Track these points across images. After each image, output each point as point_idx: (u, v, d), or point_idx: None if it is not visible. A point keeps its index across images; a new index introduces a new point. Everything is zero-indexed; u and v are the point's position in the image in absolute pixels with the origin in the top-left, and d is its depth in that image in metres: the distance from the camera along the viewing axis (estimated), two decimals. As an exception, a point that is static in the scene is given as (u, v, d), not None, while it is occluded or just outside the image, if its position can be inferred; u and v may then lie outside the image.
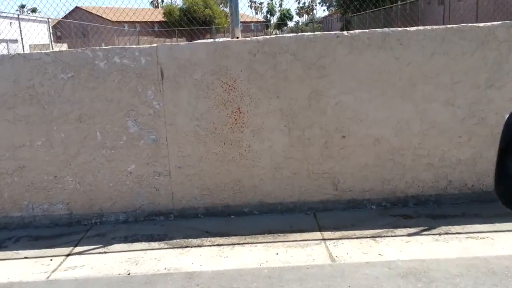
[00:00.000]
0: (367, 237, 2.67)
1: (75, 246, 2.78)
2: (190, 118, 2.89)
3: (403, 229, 2.74)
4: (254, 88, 2.91)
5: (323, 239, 2.70)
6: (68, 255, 2.67)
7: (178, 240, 2.78)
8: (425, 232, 2.69)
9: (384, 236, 2.65)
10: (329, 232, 2.77)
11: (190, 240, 2.77)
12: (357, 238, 2.67)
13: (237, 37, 3.08)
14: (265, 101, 2.91)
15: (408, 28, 2.91)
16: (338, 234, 2.74)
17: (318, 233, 2.78)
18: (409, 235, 2.66)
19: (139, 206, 3.08)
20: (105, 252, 2.68)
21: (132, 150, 2.98)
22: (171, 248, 2.69)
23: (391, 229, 2.74)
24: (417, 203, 3.06)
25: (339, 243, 2.63)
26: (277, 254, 2.53)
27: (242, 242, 2.71)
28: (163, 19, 31.18)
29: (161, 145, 2.96)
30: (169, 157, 2.98)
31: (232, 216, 3.13)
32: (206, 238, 2.77)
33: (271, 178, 3.06)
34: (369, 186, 3.09)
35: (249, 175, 3.05)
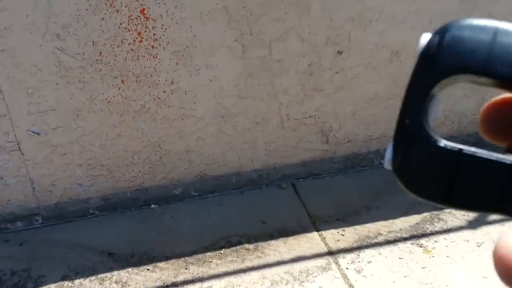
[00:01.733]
0: (413, 237, 2.06)
1: None
2: (42, 34, 1.90)
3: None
4: (171, -34, 1.96)
5: (330, 253, 2.00)
6: None
7: None
8: None
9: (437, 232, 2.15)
10: (333, 231, 2.11)
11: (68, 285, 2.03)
12: (391, 243, 2.08)
13: None
14: (194, -8, 2.00)
15: None
16: (350, 234, 2.09)
17: (315, 234, 2.11)
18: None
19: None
20: None
21: None
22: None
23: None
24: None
25: (361, 259, 1.97)
26: None
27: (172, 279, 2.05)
28: None
29: (-8, 94, 1.97)
30: (11, 115, 2.03)
31: (152, 206, 2.42)
32: (106, 275, 2.01)
33: (216, 134, 2.32)
34: (379, 131, 2.51)
35: (177, 134, 2.27)
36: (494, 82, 0.22)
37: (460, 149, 0.22)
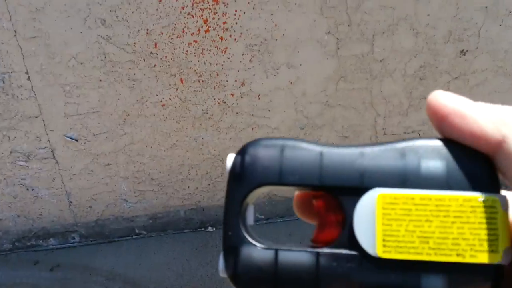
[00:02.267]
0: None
1: None
2: (84, 18, 1.54)
3: None
4: None
5: None
6: None
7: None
8: None
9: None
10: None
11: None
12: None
13: None
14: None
15: None
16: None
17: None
18: None
19: None
20: None
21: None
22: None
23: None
24: None
25: None
26: None
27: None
28: None
29: (17, 88, 1.64)
30: (44, 117, 1.71)
31: (210, 229, 2.06)
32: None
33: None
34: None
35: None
36: (288, 187, 0.29)
37: (276, 249, 0.27)
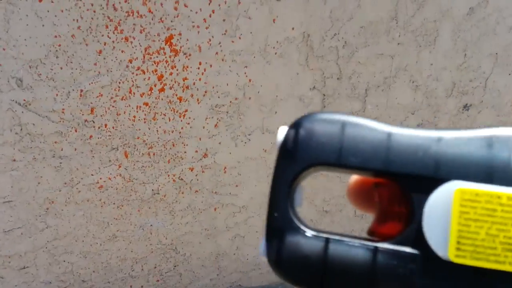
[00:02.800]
0: None
1: None
2: None
3: None
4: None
5: None
6: None
7: None
8: None
9: None
10: None
11: None
12: None
13: None
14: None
15: None
16: None
17: None
18: None
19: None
20: None
21: None
22: None
23: None
24: None
25: None
26: None
27: None
28: None
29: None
30: None
31: None
32: None
33: (263, 230, 1.65)
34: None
35: (205, 231, 1.59)
36: (347, 170, 0.27)
37: (327, 238, 0.26)
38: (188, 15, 1.27)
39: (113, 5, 1.21)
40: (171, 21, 1.27)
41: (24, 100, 1.25)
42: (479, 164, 0.24)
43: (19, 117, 1.26)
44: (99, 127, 1.34)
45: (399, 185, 0.26)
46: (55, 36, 1.20)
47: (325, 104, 1.51)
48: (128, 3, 1.21)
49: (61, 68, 1.24)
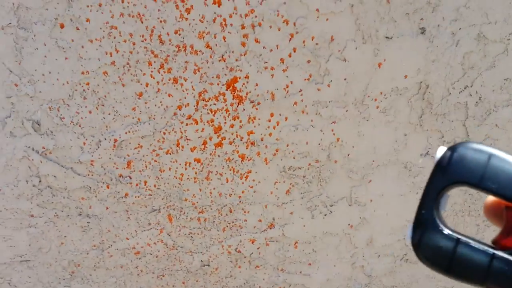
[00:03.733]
0: None
1: None
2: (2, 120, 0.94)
3: None
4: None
5: None
6: None
7: None
8: None
9: None
10: None
11: None
12: None
13: None
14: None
15: None
16: None
17: None
18: None
19: None
20: None
21: None
22: None
23: None
24: None
25: None
26: None
27: None
28: None
29: None
30: None
31: None
32: None
33: None
34: None
35: (265, 313, 1.27)
36: (485, 192, 0.33)
37: (458, 238, 0.33)
38: (259, 53, 0.93)
39: (159, 36, 0.89)
40: (236, 60, 0.93)
41: (43, 147, 0.98)
42: None
43: (36, 167, 1.00)
44: (137, 184, 1.05)
45: None
46: (82, 73, 0.91)
47: (439, 175, 1.11)
48: (179, 34, 0.89)
49: (90, 112, 0.95)
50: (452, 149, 0.34)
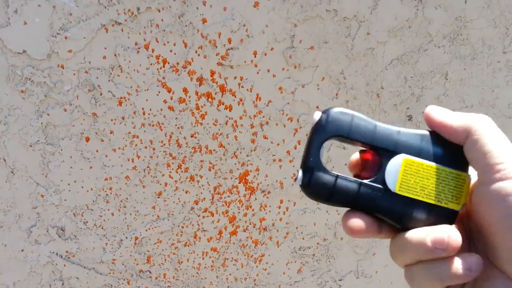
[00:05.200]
0: None
1: None
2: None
3: None
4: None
5: None
6: None
7: None
8: None
9: None
10: None
11: None
12: None
13: None
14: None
15: None
16: None
17: None
18: None
19: None
20: None
21: None
22: None
23: None
24: None
25: None
26: None
27: None
28: None
29: None
30: None
31: None
32: None
33: None
34: None
35: None
36: (352, 142, 0.47)
37: (337, 175, 0.46)
38: (268, 147, 1.03)
39: (177, 141, 0.98)
40: (247, 156, 1.03)
41: (67, 251, 1.03)
42: (415, 147, 0.46)
43: (60, 270, 1.05)
44: (156, 278, 1.11)
45: (376, 152, 0.46)
46: (105, 179, 0.98)
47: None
48: (195, 137, 0.99)
49: (112, 214, 1.02)
50: (326, 112, 0.46)
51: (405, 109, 1.07)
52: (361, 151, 0.49)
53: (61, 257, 1.03)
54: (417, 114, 1.08)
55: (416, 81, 1.06)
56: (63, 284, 1.06)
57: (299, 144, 1.04)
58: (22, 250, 1.01)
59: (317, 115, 0.46)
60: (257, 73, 0.97)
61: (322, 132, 0.46)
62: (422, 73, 1.05)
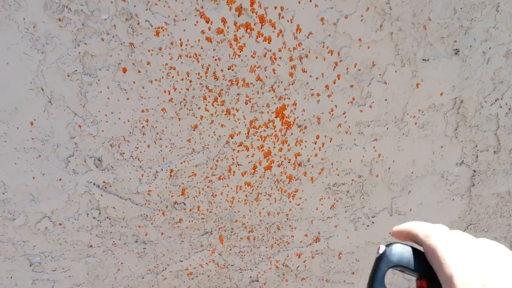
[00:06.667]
0: None
1: None
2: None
3: None
4: None
5: None
6: None
7: None
8: None
9: None
10: None
11: None
12: None
13: None
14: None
15: None
16: None
17: None
18: None
19: None
20: None
21: None
22: None
23: None
24: None
25: None
26: None
27: None
28: None
29: None
30: None
31: None
32: None
33: None
34: None
35: (311, 322, 1.36)
36: (411, 273, 0.50)
37: None
38: (306, 81, 1.02)
39: (214, 73, 0.98)
40: (285, 89, 1.02)
41: (104, 181, 1.06)
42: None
43: (97, 200, 1.08)
44: (190, 210, 1.14)
45: (432, 281, 0.48)
46: (142, 111, 0.99)
47: (474, 182, 1.21)
48: (233, 70, 0.98)
49: (148, 146, 1.04)
50: (388, 247, 0.51)
51: (452, 42, 1.05)
52: (417, 279, 0.52)
53: (98, 187, 1.07)
54: (464, 48, 1.06)
55: (465, 13, 1.02)
56: (100, 213, 1.10)
57: (339, 79, 1.03)
58: (60, 179, 1.04)
59: (382, 248, 0.52)
60: (299, 3, 0.95)
61: (386, 262, 0.51)
62: (472, 4, 1.02)
